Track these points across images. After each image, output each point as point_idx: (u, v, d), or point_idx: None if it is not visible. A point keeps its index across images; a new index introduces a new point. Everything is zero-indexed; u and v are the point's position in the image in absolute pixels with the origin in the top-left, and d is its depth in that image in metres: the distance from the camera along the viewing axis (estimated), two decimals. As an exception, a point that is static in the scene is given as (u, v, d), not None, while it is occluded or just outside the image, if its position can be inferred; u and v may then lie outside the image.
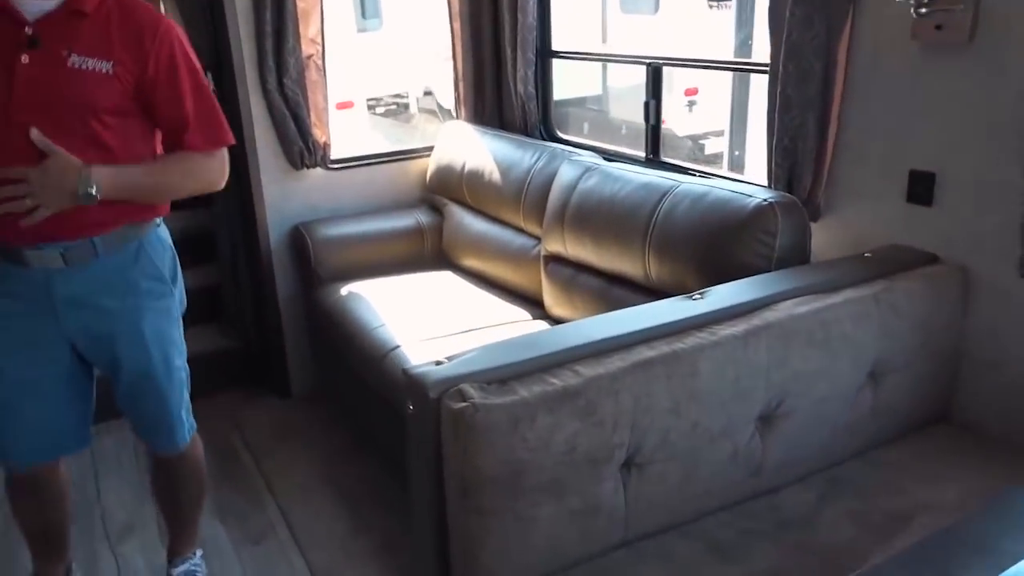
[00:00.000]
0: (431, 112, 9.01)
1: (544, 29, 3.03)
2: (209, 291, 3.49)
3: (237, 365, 3.36)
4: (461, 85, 3.24)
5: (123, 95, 1.58)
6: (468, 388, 1.30)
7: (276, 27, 2.78)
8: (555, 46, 3.09)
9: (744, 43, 4.99)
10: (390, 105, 9.41)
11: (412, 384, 1.37)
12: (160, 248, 1.77)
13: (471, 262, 3.01)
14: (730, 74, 5.10)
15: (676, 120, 6.92)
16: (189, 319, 2.04)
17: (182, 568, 2.12)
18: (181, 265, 1.86)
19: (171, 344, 1.82)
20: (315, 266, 2.98)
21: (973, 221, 1.76)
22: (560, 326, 1.58)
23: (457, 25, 3.14)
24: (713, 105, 6.36)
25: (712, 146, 6.74)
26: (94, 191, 1.53)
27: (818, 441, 1.66)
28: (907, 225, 1.88)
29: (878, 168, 1.93)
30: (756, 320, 1.54)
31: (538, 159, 2.73)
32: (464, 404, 1.27)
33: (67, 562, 2.13)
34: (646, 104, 2.65)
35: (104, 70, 1.54)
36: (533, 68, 3.01)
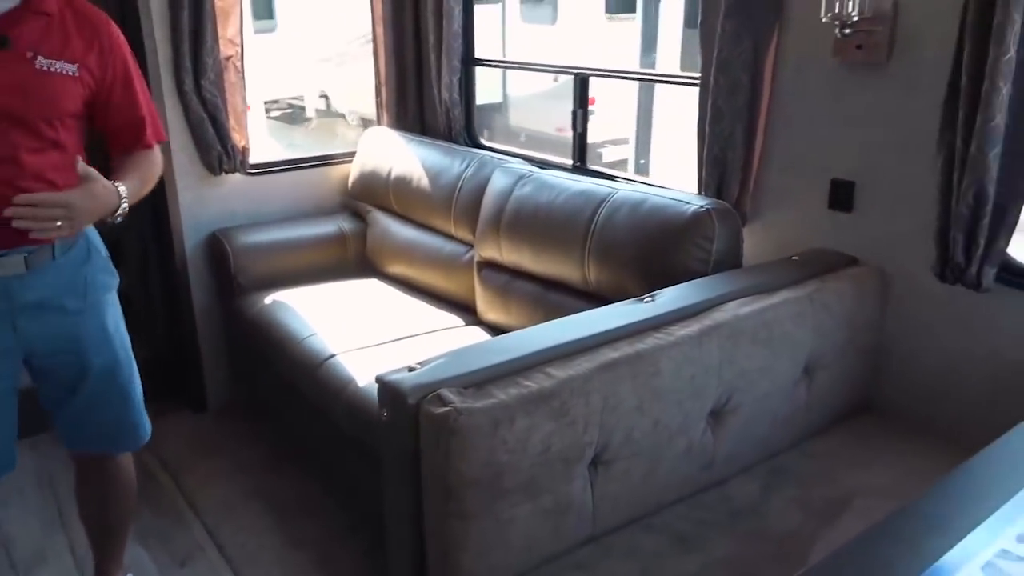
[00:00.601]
0: (338, 116, 8.88)
1: (468, 37, 3.06)
2: (114, 302, 3.32)
3: (146, 379, 3.19)
4: (384, 90, 3.22)
5: (82, 98, 1.55)
6: (447, 393, 1.31)
7: (194, 27, 2.68)
8: (478, 54, 3.12)
9: (649, 55, 5.19)
10: (286, 108, 9.22)
11: (388, 391, 1.36)
12: (99, 241, 1.75)
13: (398, 269, 2.99)
14: (633, 85, 5.27)
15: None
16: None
17: None
18: None
19: (126, 335, 1.83)
20: (235, 274, 2.89)
21: (890, 226, 1.91)
22: (524, 330, 1.60)
23: (380, 30, 3.12)
24: (610, 114, 6.58)
25: (609, 154, 6.97)
26: (126, 211, 1.57)
27: (760, 434, 1.76)
28: (829, 230, 2.02)
29: (802, 177, 2.06)
30: (707, 320, 1.62)
31: (467, 166, 2.74)
32: (446, 409, 1.28)
33: None
34: (573, 113, 2.73)
35: (70, 72, 1.51)
36: (458, 75, 3.03)
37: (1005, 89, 1.55)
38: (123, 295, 3.32)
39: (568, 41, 7.28)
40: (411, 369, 1.40)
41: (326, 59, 9.27)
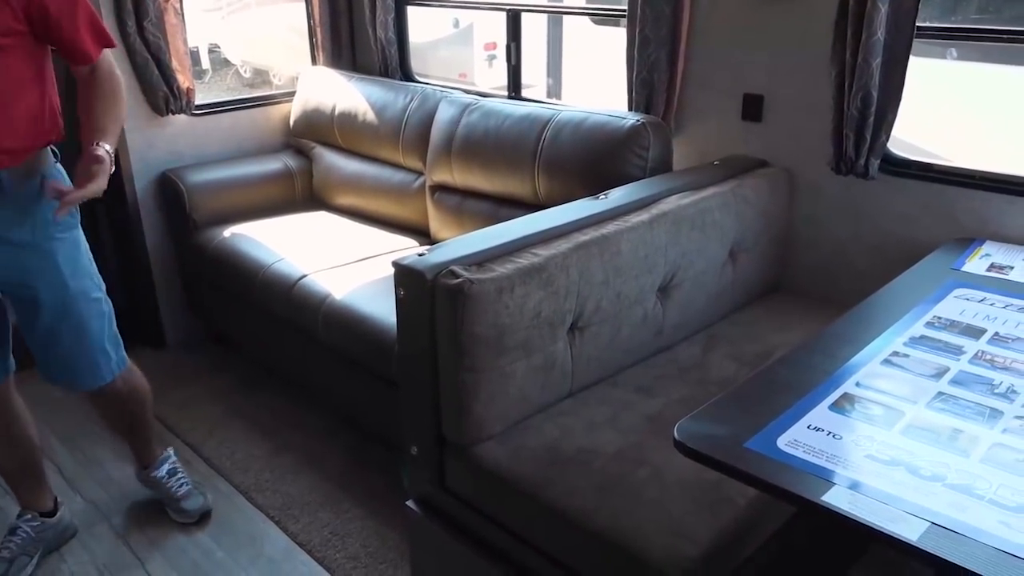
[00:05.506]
0: (230, 67, 8.73)
1: (400, -22, 3.23)
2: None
3: (100, 321, 3.27)
4: (319, 32, 3.36)
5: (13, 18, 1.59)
6: (458, 269, 1.56)
7: (134, -30, 2.75)
8: (410, -6, 3.29)
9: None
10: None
11: (404, 272, 1.60)
12: (62, 180, 1.79)
13: (347, 200, 3.17)
14: (542, 29, 5.51)
15: (478, 74, 7.27)
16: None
17: (164, 468, 2.30)
18: None
19: (86, 275, 1.86)
20: (190, 212, 3.00)
21: (794, 132, 2.26)
22: (509, 222, 1.86)
23: (314, -28, 3.25)
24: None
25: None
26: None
27: (699, 306, 2.10)
28: (742, 138, 2.37)
29: (718, 93, 2.39)
30: (655, 210, 1.93)
31: (411, 99, 2.95)
32: (459, 280, 1.53)
33: (51, 491, 2.16)
34: (507, 46, 2.95)
35: None
36: (392, 15, 3.20)
37: (884, 9, 1.91)
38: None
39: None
40: (420, 255, 1.64)
41: (213, 10, 9.05)
